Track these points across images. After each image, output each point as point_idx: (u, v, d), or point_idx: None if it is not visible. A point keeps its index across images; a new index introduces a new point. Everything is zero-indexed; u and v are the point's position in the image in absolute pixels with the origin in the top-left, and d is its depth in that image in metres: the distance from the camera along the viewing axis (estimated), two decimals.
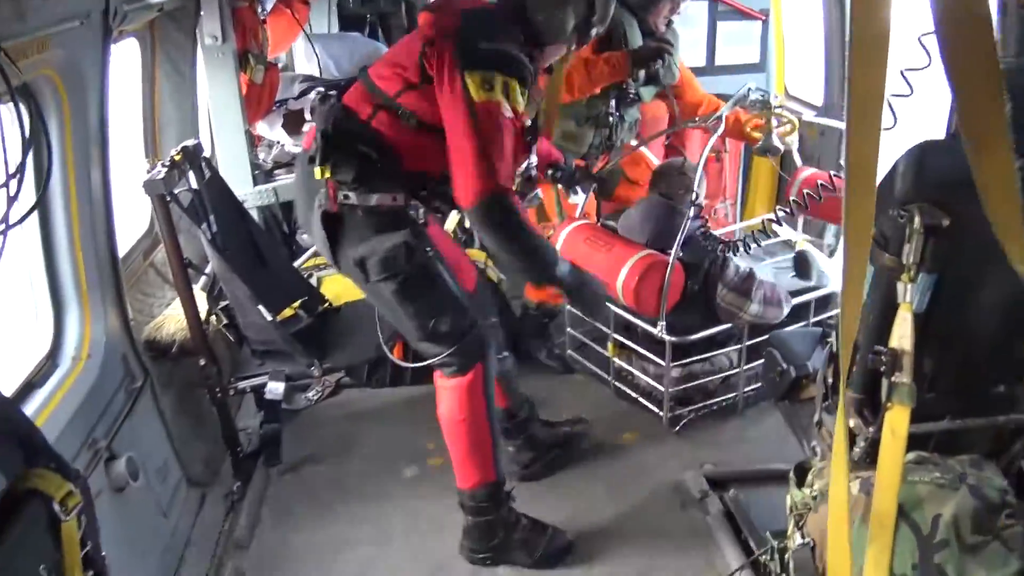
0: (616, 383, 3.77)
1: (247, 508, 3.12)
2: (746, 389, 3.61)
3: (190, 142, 3.17)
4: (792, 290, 3.62)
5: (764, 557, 2.75)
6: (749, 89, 3.65)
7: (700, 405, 3.59)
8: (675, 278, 3.27)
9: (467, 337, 2.68)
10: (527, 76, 2.52)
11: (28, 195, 2.53)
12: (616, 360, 3.72)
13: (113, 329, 2.86)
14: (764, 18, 5.11)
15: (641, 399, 3.65)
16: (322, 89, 2.81)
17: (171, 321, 3.31)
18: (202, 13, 3.68)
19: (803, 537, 2.28)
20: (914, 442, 2.18)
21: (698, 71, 4.88)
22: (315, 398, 3.87)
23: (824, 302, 3.67)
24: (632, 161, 4.13)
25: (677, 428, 3.54)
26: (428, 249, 2.64)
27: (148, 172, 2.97)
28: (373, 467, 3.39)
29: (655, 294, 3.25)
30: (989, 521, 2.13)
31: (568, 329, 3.94)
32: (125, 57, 3.57)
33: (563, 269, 2.70)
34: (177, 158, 3.01)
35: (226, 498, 3.19)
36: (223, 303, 3.45)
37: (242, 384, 3.26)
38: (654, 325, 3.34)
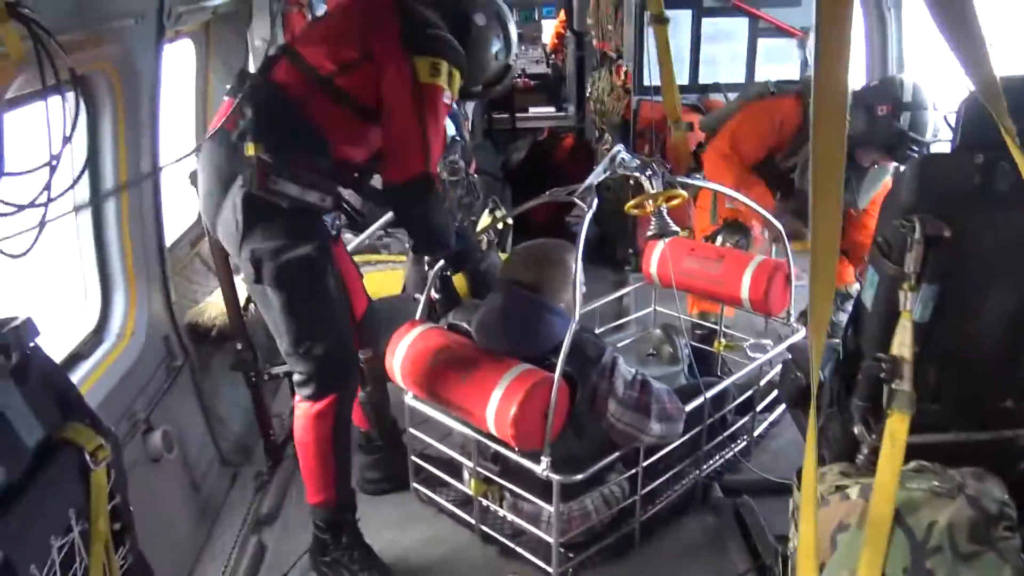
0: (483, 527, 2.97)
1: (275, 488, 3.26)
2: (642, 517, 2.93)
3: None
4: (677, 390, 2.94)
5: (769, 560, 2.80)
6: (618, 152, 3.00)
7: (595, 549, 2.85)
8: (560, 400, 2.50)
9: (332, 366, 2.64)
10: (464, 65, 2.60)
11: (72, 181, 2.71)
12: (482, 499, 2.93)
13: (157, 311, 3.04)
14: (804, 36, 5.13)
15: (518, 548, 2.86)
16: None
17: (212, 307, 3.48)
18: (253, 17, 3.86)
19: None
20: (920, 453, 2.21)
21: (737, 86, 4.95)
22: None
23: (720, 399, 3.13)
24: None
25: None
26: (328, 267, 2.60)
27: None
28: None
29: (539, 424, 2.49)
30: (985, 531, 2.16)
31: (412, 457, 3.16)
32: (182, 55, 3.77)
33: (454, 246, 2.83)
34: None
35: (256, 478, 3.33)
36: None
37: (276, 370, 3.38)
38: (533, 459, 2.59)
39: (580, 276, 2.64)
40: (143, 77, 2.77)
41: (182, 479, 2.99)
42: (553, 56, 10.26)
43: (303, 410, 2.69)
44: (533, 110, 9.66)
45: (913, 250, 2.10)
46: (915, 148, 3.50)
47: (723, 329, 3.80)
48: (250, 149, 2.42)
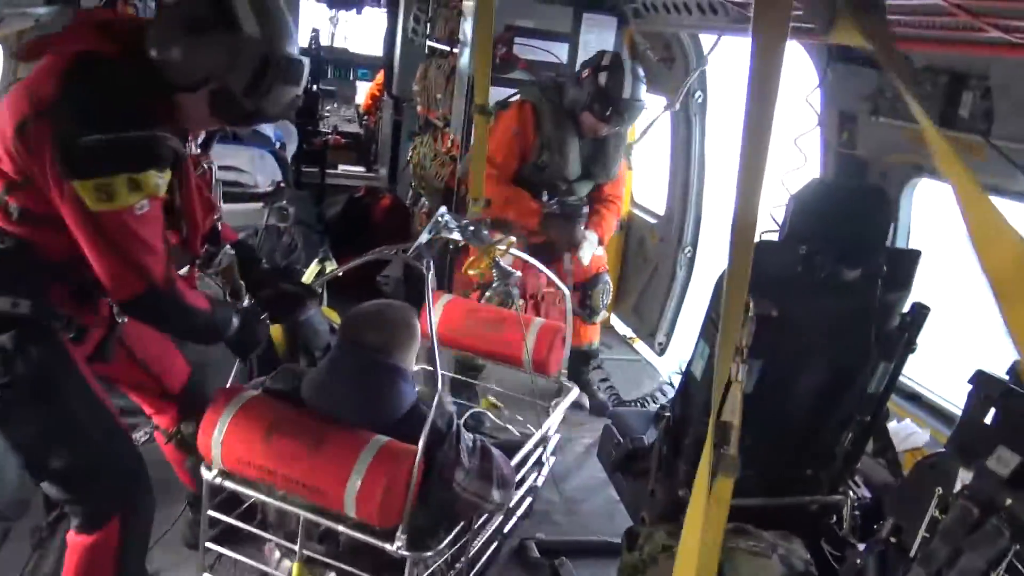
0: None
1: (56, 546, 2.90)
2: None
3: None
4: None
5: None
6: (442, 214, 2.94)
7: None
8: (419, 473, 2.31)
9: (97, 480, 2.25)
10: (162, 154, 2.04)
11: None
12: None
13: None
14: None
15: None
16: None
17: None
18: None
19: None
20: (733, 514, 2.40)
21: None
22: (142, 439, 3.66)
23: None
24: None
25: None
26: (49, 357, 2.17)
27: None
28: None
29: (402, 499, 2.28)
30: None
31: (206, 544, 2.60)
32: None
33: (234, 326, 2.45)
34: None
35: (33, 534, 2.95)
36: None
37: None
38: (386, 538, 2.31)
39: (436, 342, 2.55)
40: None
41: None
42: (366, 117, 10.31)
43: (73, 546, 2.30)
44: (343, 167, 9.62)
45: (746, 326, 2.33)
46: (614, 104, 4.04)
47: (491, 387, 3.92)
48: None
